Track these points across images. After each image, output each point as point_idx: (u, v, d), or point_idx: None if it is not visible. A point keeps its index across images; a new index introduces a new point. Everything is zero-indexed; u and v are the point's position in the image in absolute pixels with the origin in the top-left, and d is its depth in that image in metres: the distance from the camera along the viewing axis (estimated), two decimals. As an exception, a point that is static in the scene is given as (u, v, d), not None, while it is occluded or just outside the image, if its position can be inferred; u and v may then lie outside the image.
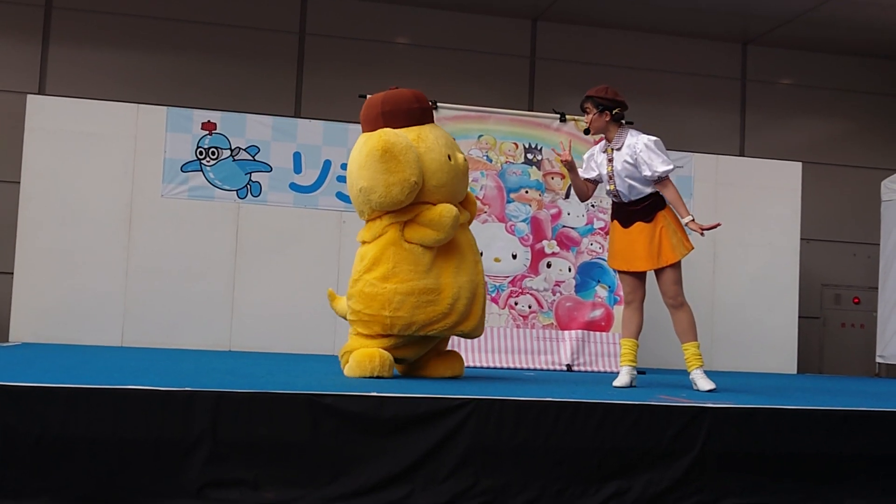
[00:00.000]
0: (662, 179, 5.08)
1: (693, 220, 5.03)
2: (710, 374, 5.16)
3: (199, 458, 3.36)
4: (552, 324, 7.44)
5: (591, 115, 5.17)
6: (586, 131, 5.30)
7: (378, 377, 4.69)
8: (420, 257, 4.85)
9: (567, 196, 7.68)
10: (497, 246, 7.44)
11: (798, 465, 3.85)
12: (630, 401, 3.82)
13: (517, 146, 7.65)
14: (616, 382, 5.16)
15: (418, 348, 5.03)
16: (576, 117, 7.84)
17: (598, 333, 7.48)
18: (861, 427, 3.97)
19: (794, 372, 9.04)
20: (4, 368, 4.40)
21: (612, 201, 5.30)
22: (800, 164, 9.33)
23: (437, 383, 4.67)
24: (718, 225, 5.07)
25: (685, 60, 10.55)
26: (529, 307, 7.42)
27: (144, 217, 8.13)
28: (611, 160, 5.17)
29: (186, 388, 3.44)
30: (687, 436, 3.75)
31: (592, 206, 7.71)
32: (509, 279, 7.42)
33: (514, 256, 7.48)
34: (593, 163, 5.33)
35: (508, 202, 7.55)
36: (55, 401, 3.30)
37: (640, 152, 5.07)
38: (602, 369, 7.33)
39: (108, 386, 3.43)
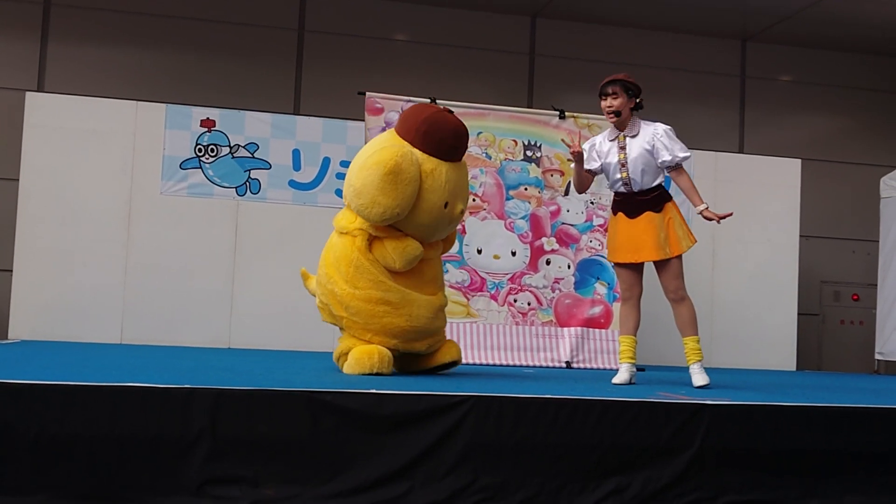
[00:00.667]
0: (679, 167, 5.10)
1: (707, 208, 5.04)
2: (708, 371, 5.17)
3: (199, 456, 3.35)
4: (551, 321, 7.44)
5: (619, 100, 5.11)
6: (638, 106, 5.19)
7: (378, 374, 4.69)
8: (382, 269, 4.87)
9: (566, 193, 7.68)
10: (496, 243, 7.44)
11: (797, 461, 3.85)
12: (629, 398, 3.82)
13: (516, 143, 7.65)
14: (615, 379, 5.16)
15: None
16: (575, 114, 7.84)
17: (597, 330, 7.48)
18: (860, 423, 3.97)
19: (794, 369, 9.05)
20: (3, 365, 4.40)
21: (618, 193, 5.20)
22: (799, 160, 9.33)
23: (436, 380, 4.67)
24: (731, 214, 5.07)
25: (685, 57, 10.54)
26: (528, 304, 7.42)
27: (143, 214, 8.13)
28: (622, 148, 5.13)
29: (186, 386, 3.44)
30: (686, 432, 3.75)
31: (591, 203, 7.71)
32: (508, 276, 7.42)
33: (514, 253, 7.48)
34: (595, 153, 5.27)
35: (507, 199, 7.54)
36: (54, 398, 3.30)
37: (660, 138, 5.09)
38: (601, 366, 7.34)
39: (106, 383, 3.43)
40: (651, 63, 10.44)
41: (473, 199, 7.46)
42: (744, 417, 3.86)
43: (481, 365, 6.99)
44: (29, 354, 5.47)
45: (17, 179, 8.12)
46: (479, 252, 7.39)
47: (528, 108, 9.29)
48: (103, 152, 8.12)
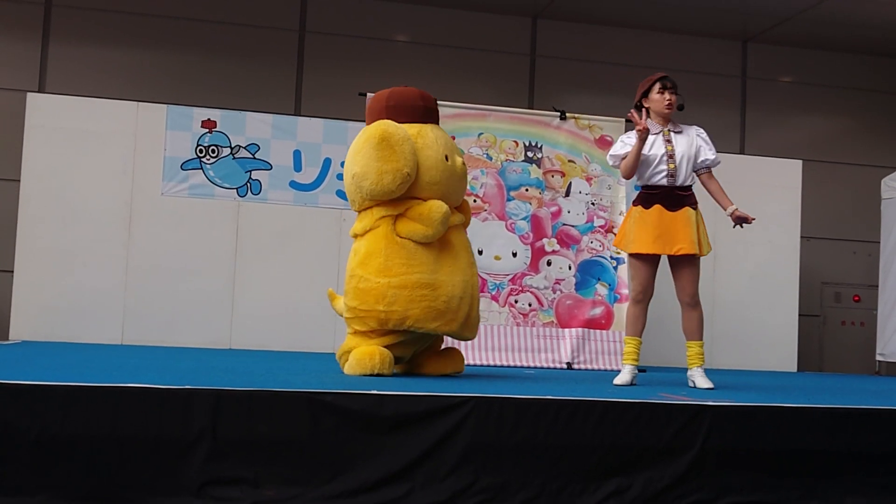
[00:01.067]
0: (710, 169, 5.25)
1: (737, 209, 5.13)
2: (709, 372, 5.18)
3: (199, 456, 3.35)
4: (552, 322, 7.44)
5: (676, 96, 5.17)
6: (681, 107, 5.21)
7: (378, 375, 4.69)
8: (413, 252, 4.83)
9: (567, 194, 7.68)
10: (497, 244, 7.44)
11: (798, 462, 3.85)
12: (630, 399, 3.82)
13: (517, 144, 7.65)
14: (617, 380, 5.16)
15: (413, 346, 5.04)
16: (576, 115, 7.84)
17: (598, 331, 7.48)
18: (861, 425, 3.97)
19: (795, 370, 9.04)
20: (4, 366, 4.40)
21: (655, 186, 5.13)
22: (800, 161, 9.33)
23: (437, 381, 4.67)
24: (754, 219, 5.21)
25: (685, 58, 10.53)
26: (529, 305, 7.42)
27: (144, 215, 8.13)
28: (669, 141, 5.14)
29: (186, 386, 3.44)
30: (687, 434, 3.75)
31: (592, 203, 7.71)
32: (509, 277, 7.42)
33: (515, 254, 7.48)
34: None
35: (508, 200, 7.54)
36: (55, 399, 3.30)
37: (703, 137, 5.23)
38: (602, 367, 7.34)
39: (107, 384, 3.43)
40: (652, 64, 10.40)
41: (475, 200, 7.46)
42: (745, 418, 3.86)
43: (482, 366, 6.99)
44: (30, 355, 5.47)
45: (18, 180, 8.12)
46: (480, 253, 7.39)
47: (529, 108, 9.28)
48: (104, 153, 8.12)
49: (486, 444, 3.58)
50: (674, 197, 5.12)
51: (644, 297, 5.20)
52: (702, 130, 5.29)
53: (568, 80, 10.25)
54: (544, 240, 7.56)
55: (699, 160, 5.19)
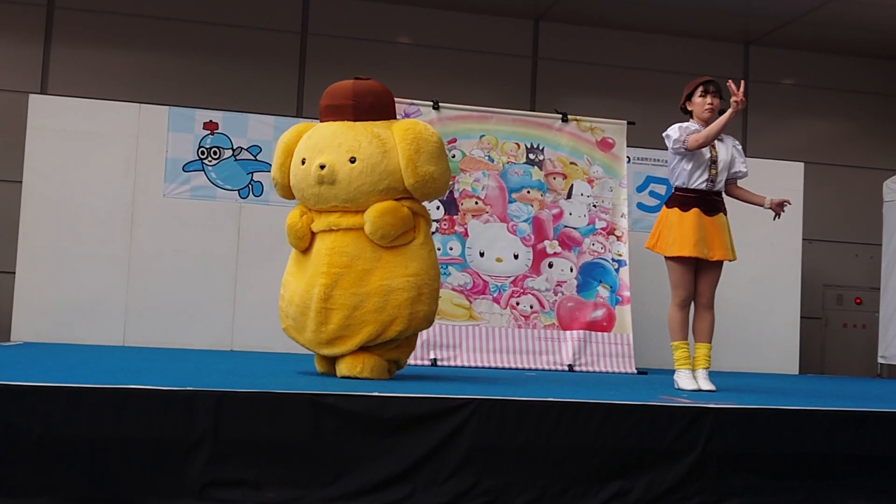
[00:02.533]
0: (737, 186, 5.36)
1: (772, 199, 5.27)
2: (711, 374, 5.18)
3: (201, 458, 3.35)
4: (554, 324, 7.44)
5: (718, 100, 5.18)
6: (723, 111, 5.11)
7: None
8: (294, 256, 4.94)
9: (569, 196, 7.68)
10: (499, 246, 7.44)
11: (800, 465, 3.85)
12: (632, 401, 3.82)
13: (519, 146, 7.65)
14: (687, 386, 5.08)
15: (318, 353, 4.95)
16: (578, 117, 7.84)
17: (599, 334, 7.48)
18: (863, 427, 3.97)
19: (796, 372, 9.03)
20: (6, 368, 4.40)
21: (694, 189, 5.13)
22: (802, 164, 9.32)
23: (438, 383, 4.67)
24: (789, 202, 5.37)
25: (687, 61, 10.53)
26: (531, 307, 7.42)
27: (146, 217, 8.13)
28: (713, 146, 5.16)
29: (188, 388, 3.44)
30: (689, 436, 3.75)
31: (594, 206, 7.71)
32: (511, 279, 7.42)
33: (516, 256, 7.48)
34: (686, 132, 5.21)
35: (510, 202, 7.54)
36: (57, 400, 3.30)
37: (737, 148, 5.29)
38: (603, 369, 7.33)
39: (109, 385, 3.43)
40: (654, 67, 10.44)
41: (476, 203, 7.47)
42: (747, 421, 3.86)
43: (483, 368, 6.99)
44: (31, 356, 5.47)
45: (20, 181, 8.12)
46: (482, 255, 7.39)
47: (531, 111, 9.28)
48: (106, 155, 8.12)
49: (488, 447, 3.58)
50: (711, 202, 5.16)
51: (689, 301, 5.18)
52: (737, 143, 5.35)
53: (570, 82, 10.25)
54: (546, 242, 7.56)
55: (732, 170, 5.25)
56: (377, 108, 4.82)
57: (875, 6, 9.46)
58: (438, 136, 4.77)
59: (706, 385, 5.04)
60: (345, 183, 4.62)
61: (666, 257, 5.21)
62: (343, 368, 4.65)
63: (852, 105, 10.99)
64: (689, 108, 5.25)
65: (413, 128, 4.72)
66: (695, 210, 5.11)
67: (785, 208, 5.30)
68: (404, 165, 4.65)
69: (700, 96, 5.18)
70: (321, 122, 4.88)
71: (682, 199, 5.16)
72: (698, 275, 5.18)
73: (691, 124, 5.19)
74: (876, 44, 10.53)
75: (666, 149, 5.27)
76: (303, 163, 4.74)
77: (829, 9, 9.57)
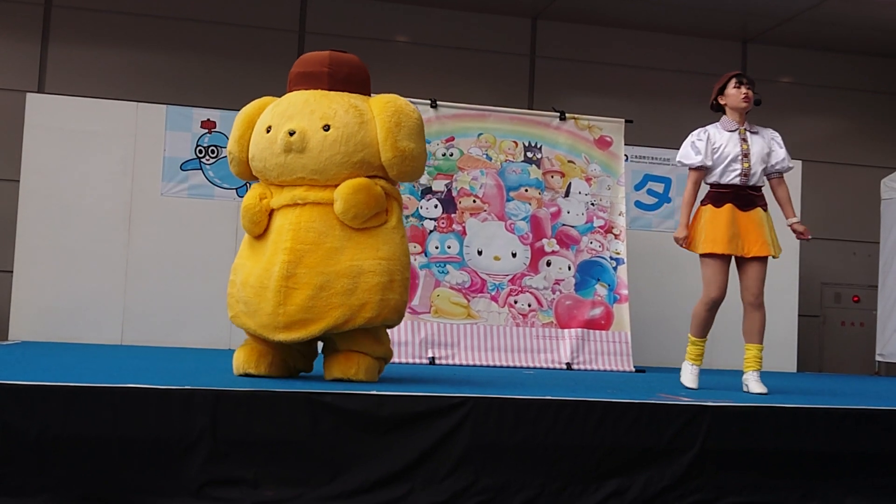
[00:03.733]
0: (782, 175, 5.18)
1: (798, 221, 5.12)
2: (709, 373, 5.17)
3: (199, 457, 3.35)
4: (552, 322, 7.44)
5: (751, 91, 5.11)
6: (758, 102, 5.13)
7: (247, 375, 4.32)
8: (247, 239, 4.50)
9: (567, 194, 7.68)
10: (497, 244, 7.44)
11: (798, 463, 3.85)
12: (630, 399, 3.82)
13: (517, 144, 7.65)
14: (690, 384, 5.06)
15: (278, 348, 4.40)
16: (576, 116, 7.84)
17: (597, 332, 7.47)
18: (861, 425, 3.97)
19: (794, 370, 9.04)
20: (4, 367, 4.40)
21: (727, 185, 5.05)
22: (799, 162, 9.31)
23: (436, 382, 4.67)
24: (809, 238, 5.21)
25: (685, 59, 10.54)
26: (529, 305, 7.41)
27: (144, 216, 8.13)
28: (745, 139, 5.07)
29: (186, 387, 3.44)
30: (687, 434, 3.75)
31: (592, 204, 7.71)
32: (509, 278, 7.42)
33: (514, 255, 7.48)
34: (710, 147, 5.08)
35: (508, 200, 7.54)
36: (55, 399, 3.30)
37: (778, 140, 5.14)
38: (602, 368, 7.33)
39: (107, 384, 3.43)
40: (652, 65, 10.44)
41: (474, 201, 7.46)
42: (745, 419, 3.86)
43: (481, 366, 6.99)
44: (29, 356, 5.46)
45: (18, 180, 8.11)
46: (480, 253, 7.39)
47: (529, 109, 9.28)
48: (104, 153, 8.11)
49: (486, 445, 3.58)
50: (746, 196, 5.05)
51: (718, 302, 5.07)
52: (777, 135, 5.20)
53: (567, 80, 10.24)
54: (544, 240, 7.56)
55: (771, 163, 5.11)
56: (353, 81, 4.54)
57: (872, 4, 9.46)
58: (419, 114, 4.48)
59: (756, 388, 4.87)
60: (315, 152, 4.28)
61: (700, 255, 5.11)
62: (335, 370, 4.30)
63: (850, 103, 10.99)
64: (722, 102, 5.16)
65: (394, 101, 4.43)
66: (728, 206, 5.02)
67: (801, 239, 5.19)
68: (383, 138, 4.33)
69: (735, 87, 5.09)
70: (290, 91, 4.59)
71: (715, 195, 5.09)
72: (740, 273, 5.10)
73: (696, 145, 5.11)
74: (874, 42, 10.53)
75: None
76: (268, 130, 4.38)
77: (826, 7, 9.57)
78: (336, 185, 4.31)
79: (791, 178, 9.15)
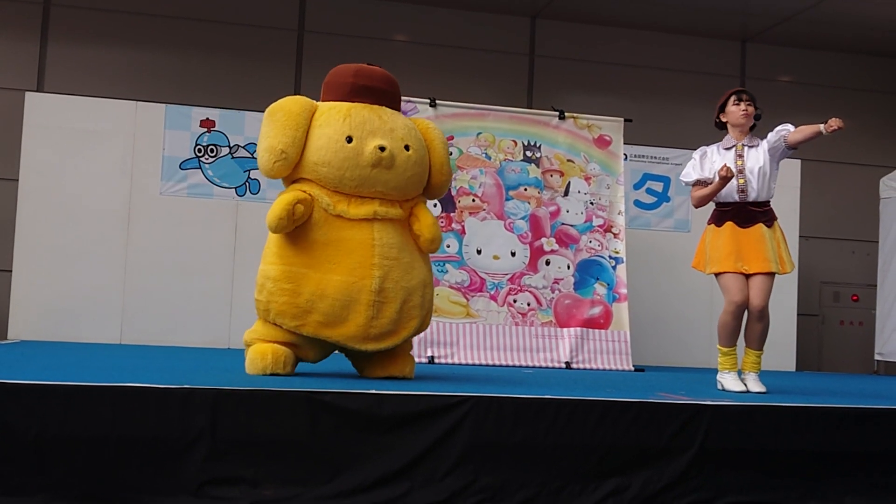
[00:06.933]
0: (788, 137, 5.05)
1: (823, 126, 4.89)
2: (709, 372, 5.17)
3: (198, 456, 3.35)
4: (551, 321, 7.44)
5: (751, 108, 5.12)
6: (758, 117, 5.14)
7: (273, 374, 4.40)
8: (292, 241, 4.44)
9: (566, 193, 7.68)
10: (496, 243, 7.44)
11: (797, 462, 3.85)
12: (629, 398, 3.82)
13: (516, 144, 7.65)
14: (734, 387, 5.05)
15: (314, 350, 4.60)
16: (575, 115, 7.84)
17: (596, 331, 7.47)
18: (860, 424, 3.98)
19: (793, 370, 9.04)
20: (3, 366, 4.40)
21: (727, 203, 5.08)
22: (798, 161, 9.33)
23: (435, 381, 4.68)
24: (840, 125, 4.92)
25: (684, 58, 10.54)
26: (528, 305, 7.42)
27: (143, 215, 8.13)
28: (741, 155, 5.09)
29: (185, 386, 3.44)
30: (686, 433, 3.75)
31: (591, 203, 7.71)
32: (508, 276, 7.42)
33: (513, 254, 7.48)
34: (707, 162, 5.15)
35: (507, 199, 7.54)
36: (54, 398, 3.30)
37: (769, 137, 5.08)
38: (601, 367, 7.33)
39: (106, 383, 3.43)
40: (651, 64, 10.44)
41: (473, 200, 7.46)
42: (744, 418, 3.86)
43: (481, 365, 6.99)
44: (28, 355, 5.46)
45: (17, 179, 8.11)
46: (479, 252, 7.39)
47: (528, 108, 9.28)
48: (103, 152, 8.11)
49: (485, 444, 3.58)
50: (746, 213, 5.06)
51: (742, 307, 5.04)
52: (770, 134, 5.11)
53: (567, 79, 10.24)
54: (543, 239, 7.56)
55: (773, 147, 5.06)
56: (398, 101, 4.90)
57: (871, 4, 9.47)
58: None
59: (756, 387, 4.94)
60: (401, 170, 4.51)
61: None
62: (393, 370, 4.59)
63: (849, 102, 10.99)
64: (724, 120, 5.20)
65: (438, 128, 4.86)
66: (728, 224, 5.07)
67: (839, 129, 4.88)
68: (440, 164, 4.73)
69: (734, 104, 5.13)
70: (345, 101, 4.62)
71: (717, 214, 5.15)
72: (750, 285, 5.09)
73: (697, 164, 5.13)
74: (872, 41, 10.54)
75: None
76: (348, 141, 4.44)
77: (825, 6, 9.57)
78: (402, 202, 4.62)
79: (790, 178, 9.20)
